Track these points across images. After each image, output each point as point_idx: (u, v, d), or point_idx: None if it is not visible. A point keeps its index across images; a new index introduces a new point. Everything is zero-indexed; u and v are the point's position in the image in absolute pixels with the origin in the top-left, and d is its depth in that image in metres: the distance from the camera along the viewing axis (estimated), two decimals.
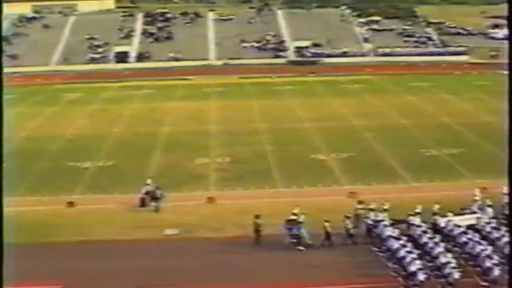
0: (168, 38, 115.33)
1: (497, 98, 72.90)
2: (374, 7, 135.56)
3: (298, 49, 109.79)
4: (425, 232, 31.77)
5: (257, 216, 33.31)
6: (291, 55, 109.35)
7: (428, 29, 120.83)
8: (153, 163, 49.14)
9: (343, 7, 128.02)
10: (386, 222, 32.74)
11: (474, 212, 34.47)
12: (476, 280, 28.19)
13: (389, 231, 31.72)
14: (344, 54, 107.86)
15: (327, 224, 32.69)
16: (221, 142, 55.34)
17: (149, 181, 40.20)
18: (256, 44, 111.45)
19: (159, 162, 49.68)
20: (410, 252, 29.02)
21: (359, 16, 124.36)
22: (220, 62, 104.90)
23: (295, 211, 33.93)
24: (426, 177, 44.14)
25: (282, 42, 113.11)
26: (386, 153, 50.65)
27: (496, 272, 27.70)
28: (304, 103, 72.33)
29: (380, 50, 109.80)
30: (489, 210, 34.59)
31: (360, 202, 35.78)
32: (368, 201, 35.96)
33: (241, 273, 29.81)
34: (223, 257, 31.24)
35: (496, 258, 28.53)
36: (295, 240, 32.71)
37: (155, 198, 38.32)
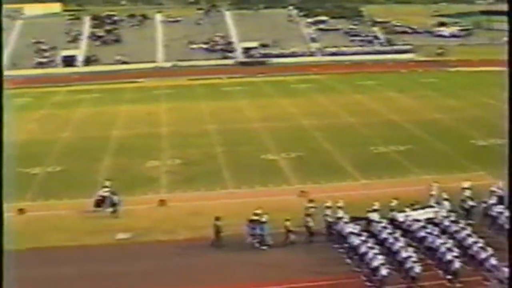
0: (116, 41, 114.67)
1: (443, 95, 74.59)
2: (321, 7, 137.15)
3: (247, 50, 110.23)
4: (385, 227, 32.42)
5: (217, 218, 33.43)
6: (239, 56, 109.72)
7: (374, 28, 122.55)
8: (103, 167, 48.88)
9: (290, 8, 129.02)
10: (346, 219, 33.26)
11: (430, 206, 35.34)
12: (437, 273, 28.99)
13: (349, 228, 32.28)
14: (292, 54, 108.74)
15: (288, 223, 33.24)
16: (172, 144, 55.33)
17: (107, 183, 39.97)
18: (204, 46, 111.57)
19: (110, 166, 49.42)
20: (371, 248, 29.62)
21: (306, 16, 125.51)
22: (168, 64, 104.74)
23: (258, 211, 34.27)
24: (374, 174, 44.93)
25: (230, 43, 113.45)
26: (335, 151, 51.35)
27: (457, 264, 28.50)
28: (253, 104, 72.71)
29: (327, 50, 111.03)
30: (446, 203, 35.44)
31: (310, 201, 36.20)
32: (318, 199, 36.50)
33: (195, 275, 29.92)
34: (176, 260, 31.36)
35: (456, 251, 29.31)
36: (258, 240, 33.13)
37: (112, 204, 37.99)
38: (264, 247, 32.82)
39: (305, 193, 39.72)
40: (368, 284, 28.54)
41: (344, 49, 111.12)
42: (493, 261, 28.65)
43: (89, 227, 36.32)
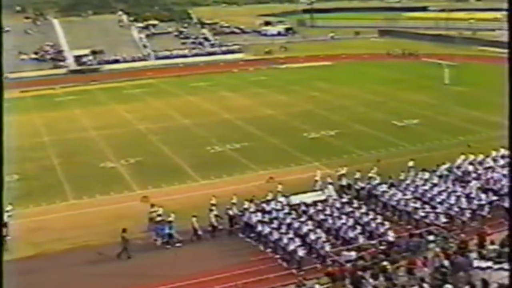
0: None
1: (274, 92, 77.19)
2: (149, 11, 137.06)
3: (78, 58, 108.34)
4: (289, 213, 34.46)
5: (124, 230, 33.31)
6: (71, 64, 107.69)
7: (204, 30, 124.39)
8: None
9: (119, 13, 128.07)
10: (252, 210, 34.92)
11: (316, 190, 38.25)
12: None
13: (257, 217, 33.94)
14: (124, 60, 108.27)
15: (194, 219, 34.19)
16: (7, 159, 53.35)
17: (9, 207, 36.52)
18: (34, 56, 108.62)
19: None
20: (285, 233, 31.47)
21: (136, 21, 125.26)
22: None
23: (160, 212, 35.12)
24: (213, 173, 46.15)
25: (60, 51, 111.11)
26: (173, 154, 52.19)
27: (361, 240, 31.05)
28: (88, 112, 71.85)
29: (159, 53, 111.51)
30: (330, 187, 38.23)
31: (152, 206, 36.92)
32: (160, 203, 37.30)
33: None
34: (16, 279, 30.71)
35: (359, 228, 31.99)
36: (166, 240, 33.90)
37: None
38: (178, 245, 33.84)
39: (147, 197, 40.26)
40: (286, 266, 30.37)
41: (176, 52, 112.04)
42: (390, 233, 31.58)
43: None
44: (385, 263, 26.95)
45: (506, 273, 23.84)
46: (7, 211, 36.09)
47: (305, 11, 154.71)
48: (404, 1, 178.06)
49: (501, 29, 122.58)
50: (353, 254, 29.24)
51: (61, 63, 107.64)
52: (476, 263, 25.50)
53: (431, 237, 30.28)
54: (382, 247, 30.29)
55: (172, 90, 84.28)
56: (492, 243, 27.67)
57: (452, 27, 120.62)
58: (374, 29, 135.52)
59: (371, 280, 25.68)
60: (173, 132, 59.75)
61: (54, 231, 36.18)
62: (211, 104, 72.46)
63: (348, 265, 27.94)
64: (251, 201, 36.05)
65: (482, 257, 26.19)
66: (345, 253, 29.52)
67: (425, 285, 23.84)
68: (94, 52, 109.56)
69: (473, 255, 26.41)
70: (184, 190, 42.67)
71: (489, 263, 25.29)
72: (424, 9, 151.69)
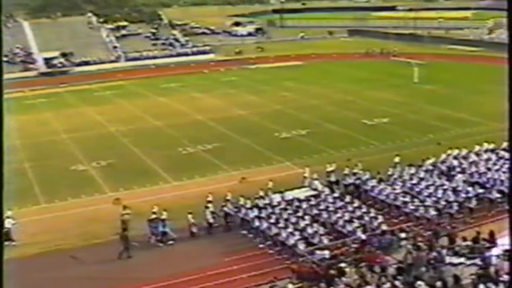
0: None
1: (245, 92, 77.26)
2: (119, 12, 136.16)
3: (48, 60, 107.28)
4: (285, 209, 34.80)
5: (124, 229, 33.27)
6: (41, 67, 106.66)
7: (174, 31, 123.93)
8: None
9: (89, 15, 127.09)
10: (248, 205, 35.19)
11: (304, 187, 38.72)
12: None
13: (254, 213, 34.26)
14: (94, 62, 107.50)
15: (190, 216, 34.33)
16: None
17: (9, 212, 35.16)
18: (4, 58, 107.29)
19: None
20: (284, 228, 31.81)
21: (105, 22, 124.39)
22: None
23: (155, 209, 35.05)
24: (185, 175, 46.07)
25: (30, 54, 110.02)
26: (144, 156, 51.94)
27: (359, 233, 31.31)
28: (58, 115, 71.20)
29: (130, 55, 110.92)
30: (316, 182, 38.70)
31: (125, 208, 36.79)
32: (132, 205, 37.18)
33: None
34: None
35: (356, 222, 32.30)
36: (159, 238, 33.94)
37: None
38: (170, 242, 33.93)
39: (119, 200, 40.16)
40: (288, 261, 30.27)
41: (146, 53, 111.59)
42: (384, 227, 31.97)
43: None
44: (343, 264, 27.10)
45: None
46: (8, 217, 34.53)
47: (275, 11, 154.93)
48: (372, 0, 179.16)
49: (470, 28, 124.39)
50: (326, 253, 29.37)
51: (31, 66, 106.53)
52: (448, 259, 25.75)
53: (403, 235, 30.52)
54: (354, 245, 30.50)
55: (143, 91, 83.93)
56: (464, 239, 27.94)
57: (420, 26, 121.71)
58: (343, 28, 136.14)
59: (343, 278, 25.80)
60: (145, 134, 59.51)
61: (26, 235, 35.85)
62: (182, 105, 72.26)
63: (315, 264, 28.12)
64: (226, 201, 36.17)
65: (454, 253, 26.45)
66: (318, 252, 29.62)
67: (397, 282, 23.99)
68: (63, 54, 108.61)
69: (444, 251, 26.65)
70: (156, 192, 42.45)
71: (462, 259, 25.57)
72: (392, 8, 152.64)
